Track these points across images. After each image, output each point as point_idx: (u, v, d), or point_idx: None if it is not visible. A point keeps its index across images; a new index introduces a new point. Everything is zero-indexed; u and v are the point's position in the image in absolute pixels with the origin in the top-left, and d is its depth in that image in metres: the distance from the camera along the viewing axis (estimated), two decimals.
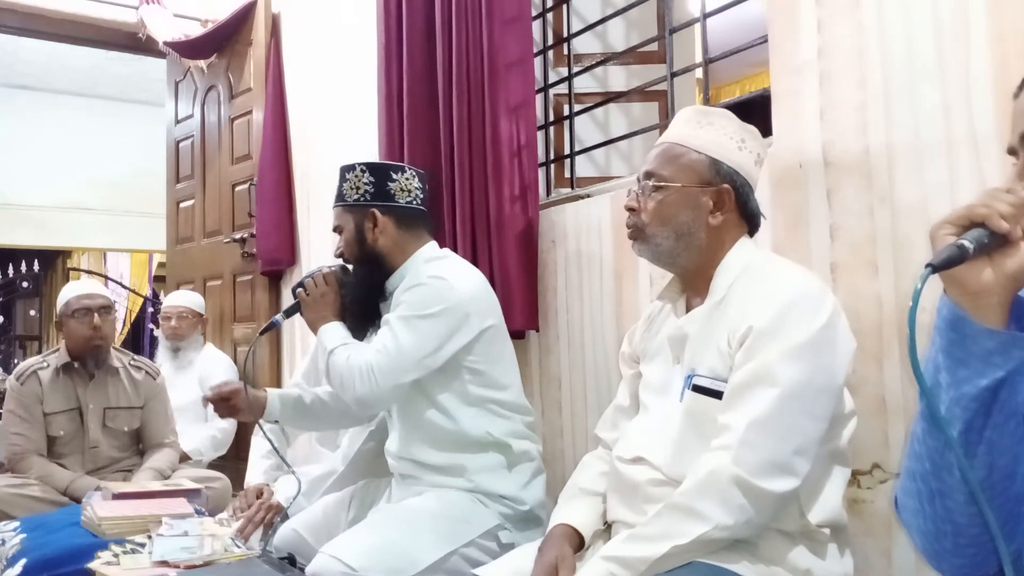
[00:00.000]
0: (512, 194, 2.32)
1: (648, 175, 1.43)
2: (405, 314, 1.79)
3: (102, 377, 2.89)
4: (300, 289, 1.95)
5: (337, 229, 1.97)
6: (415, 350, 1.77)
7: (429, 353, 1.78)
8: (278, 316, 2.01)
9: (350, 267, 1.97)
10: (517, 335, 2.42)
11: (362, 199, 1.92)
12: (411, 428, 1.90)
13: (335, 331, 1.88)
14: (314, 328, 1.92)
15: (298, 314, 1.97)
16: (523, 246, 2.32)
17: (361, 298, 1.94)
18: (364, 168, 1.94)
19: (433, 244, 1.98)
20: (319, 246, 3.48)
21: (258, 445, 2.51)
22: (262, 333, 2.09)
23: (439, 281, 1.82)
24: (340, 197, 1.96)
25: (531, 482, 1.89)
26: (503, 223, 2.32)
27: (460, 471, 1.85)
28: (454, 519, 1.76)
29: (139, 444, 2.97)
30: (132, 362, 2.99)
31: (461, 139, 2.43)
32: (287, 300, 3.80)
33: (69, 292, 2.92)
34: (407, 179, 1.96)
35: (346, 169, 1.97)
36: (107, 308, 2.89)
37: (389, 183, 1.94)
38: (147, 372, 3.00)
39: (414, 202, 1.96)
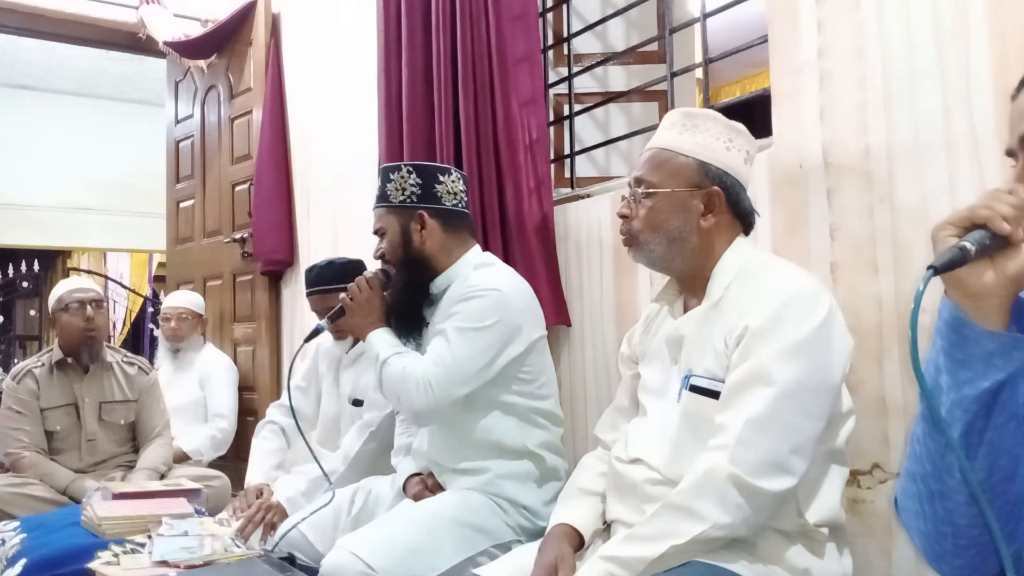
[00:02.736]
0: (529, 189, 2.30)
1: (638, 182, 1.44)
2: (461, 325, 1.76)
3: (96, 372, 2.93)
4: (344, 295, 1.92)
5: (379, 231, 1.93)
6: (471, 362, 1.75)
7: (485, 365, 1.77)
8: (322, 322, 1.94)
9: (390, 270, 1.92)
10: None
11: (408, 200, 1.89)
12: (447, 434, 1.89)
13: (385, 338, 1.85)
14: (361, 334, 1.89)
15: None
16: (542, 241, 2.30)
17: (405, 301, 1.90)
18: (411, 169, 1.91)
19: (477, 248, 1.96)
20: (318, 246, 3.48)
21: (259, 446, 2.51)
22: (307, 340, 2.01)
23: (495, 293, 1.79)
24: (383, 198, 1.91)
25: (554, 500, 1.85)
26: (521, 219, 2.30)
27: (485, 471, 1.83)
28: (473, 526, 1.75)
29: (135, 438, 3.00)
30: (125, 359, 3.04)
31: (469, 137, 2.41)
32: (287, 300, 3.80)
33: (61, 288, 2.96)
34: (453, 181, 1.92)
35: (390, 169, 1.93)
36: (99, 301, 2.94)
37: (436, 185, 1.90)
38: (140, 368, 3.05)
39: (459, 205, 1.93)
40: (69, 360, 2.89)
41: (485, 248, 2.35)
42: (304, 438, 2.13)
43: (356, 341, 2.43)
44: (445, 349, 1.76)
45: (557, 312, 2.30)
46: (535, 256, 2.28)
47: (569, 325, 2.34)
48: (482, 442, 1.84)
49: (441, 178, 1.91)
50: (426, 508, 1.80)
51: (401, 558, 1.64)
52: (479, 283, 1.82)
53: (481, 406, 1.83)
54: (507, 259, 2.31)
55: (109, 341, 3.18)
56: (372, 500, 2.02)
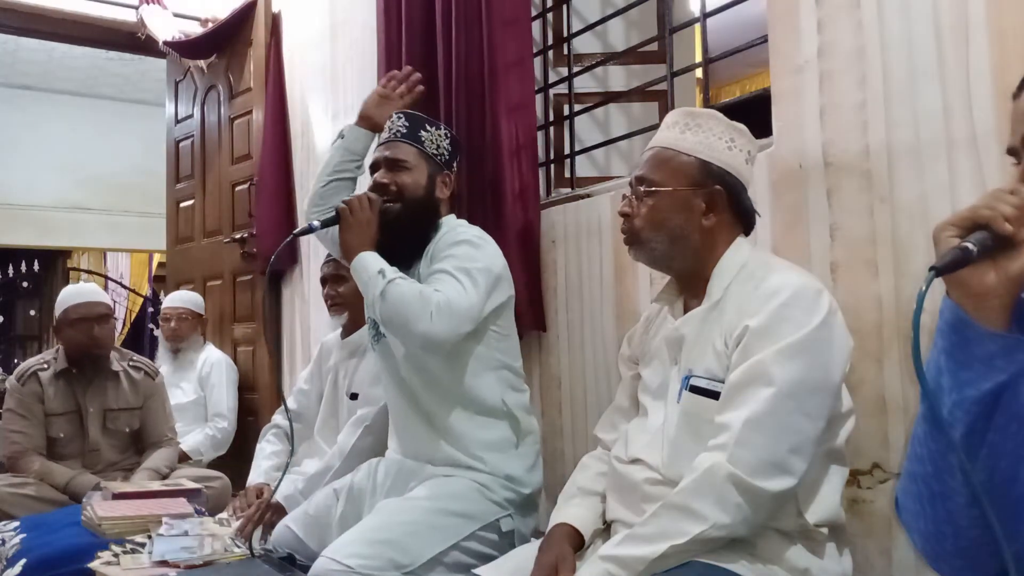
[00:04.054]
0: (513, 195, 2.32)
1: (639, 180, 1.44)
2: (462, 265, 1.79)
3: (101, 381, 2.89)
4: (344, 207, 1.85)
5: (402, 164, 1.93)
6: (476, 299, 1.78)
7: (483, 302, 1.80)
8: (315, 221, 1.89)
9: (392, 205, 1.90)
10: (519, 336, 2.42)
11: (440, 157, 1.97)
12: (432, 391, 1.88)
13: (383, 261, 1.82)
14: (353, 252, 1.83)
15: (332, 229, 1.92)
16: (524, 247, 2.32)
17: (406, 239, 1.91)
18: (447, 133, 2.00)
19: (454, 215, 2.04)
20: (319, 246, 3.47)
21: (261, 448, 2.53)
22: (297, 234, 1.96)
23: (483, 241, 1.87)
24: (418, 139, 1.95)
25: (535, 465, 1.92)
26: (504, 224, 2.31)
27: (469, 444, 1.85)
28: (455, 513, 1.76)
29: (139, 444, 2.96)
30: (131, 363, 2.99)
31: (462, 139, 2.42)
32: (288, 300, 3.80)
33: (67, 299, 2.87)
34: (460, 157, 2.06)
35: (428, 122, 1.99)
36: (106, 317, 2.87)
37: (457, 158, 2.04)
38: (146, 372, 3.01)
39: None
40: (74, 371, 2.86)
41: None
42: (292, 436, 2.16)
43: (351, 332, 2.44)
44: (453, 282, 1.77)
45: (534, 318, 2.32)
46: (514, 261, 2.28)
47: (544, 331, 2.36)
48: (464, 397, 1.86)
49: (459, 154, 2.06)
50: (406, 503, 1.80)
51: (380, 553, 1.65)
52: (468, 232, 1.89)
53: (462, 356, 1.85)
54: None
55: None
56: (359, 494, 2.01)
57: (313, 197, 2.15)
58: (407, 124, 1.97)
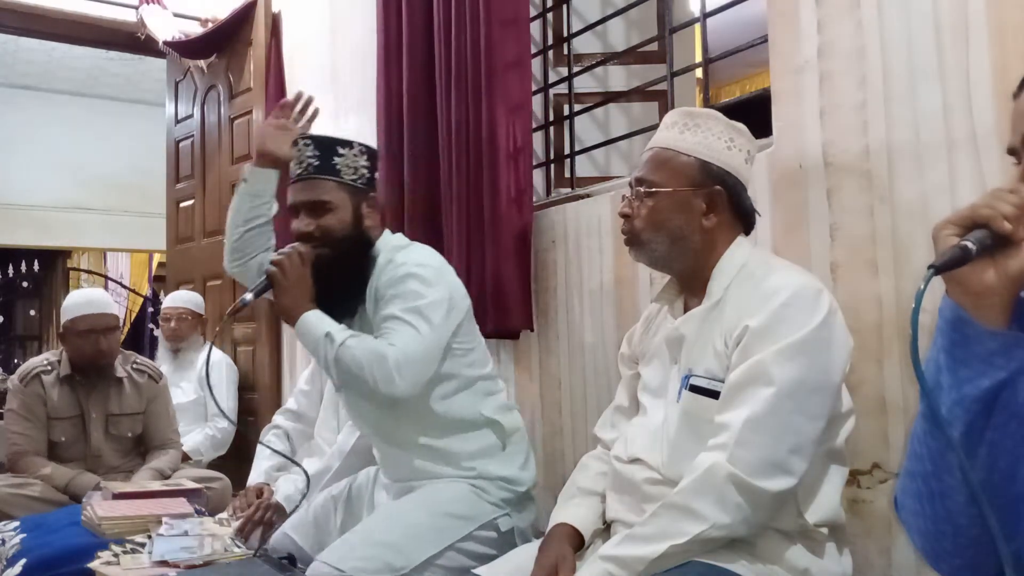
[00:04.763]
0: (508, 195, 2.32)
1: (639, 181, 1.43)
2: (411, 305, 1.72)
3: (104, 386, 2.87)
4: (275, 269, 1.75)
5: (322, 205, 1.80)
6: (435, 341, 1.73)
7: (444, 337, 1.75)
8: (247, 295, 1.76)
9: (321, 251, 1.79)
10: (512, 335, 2.42)
11: (361, 180, 1.84)
12: (403, 419, 1.84)
13: (327, 320, 1.73)
14: (294, 315, 1.73)
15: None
16: (518, 247, 2.32)
17: (346, 285, 1.81)
18: (363, 149, 1.86)
19: (388, 231, 1.93)
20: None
21: (262, 449, 2.52)
22: (231, 314, 1.85)
23: (427, 268, 1.78)
24: (332, 171, 1.81)
25: (526, 461, 1.91)
26: (499, 224, 2.31)
27: (455, 459, 1.83)
28: (450, 515, 1.76)
29: (142, 447, 2.96)
30: (134, 366, 2.97)
31: (459, 139, 2.43)
32: None
33: (74, 308, 2.82)
34: (378, 167, 1.92)
35: (338, 143, 1.84)
36: (112, 328, 2.84)
37: (376, 171, 1.90)
38: (149, 375, 2.99)
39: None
40: (77, 377, 2.85)
41: (465, 249, 2.39)
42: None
43: None
44: (406, 329, 1.69)
45: (523, 317, 2.32)
46: (507, 261, 2.30)
47: (532, 330, 2.37)
48: (441, 421, 1.83)
49: (377, 163, 1.90)
50: (400, 506, 1.80)
51: (375, 556, 1.65)
52: (407, 262, 1.79)
53: (430, 385, 1.79)
54: (476, 259, 2.37)
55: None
56: (357, 501, 2.01)
57: (230, 251, 2.01)
58: (318, 153, 1.82)
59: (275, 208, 2.03)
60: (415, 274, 1.75)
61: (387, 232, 1.92)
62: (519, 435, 1.92)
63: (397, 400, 1.70)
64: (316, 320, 1.72)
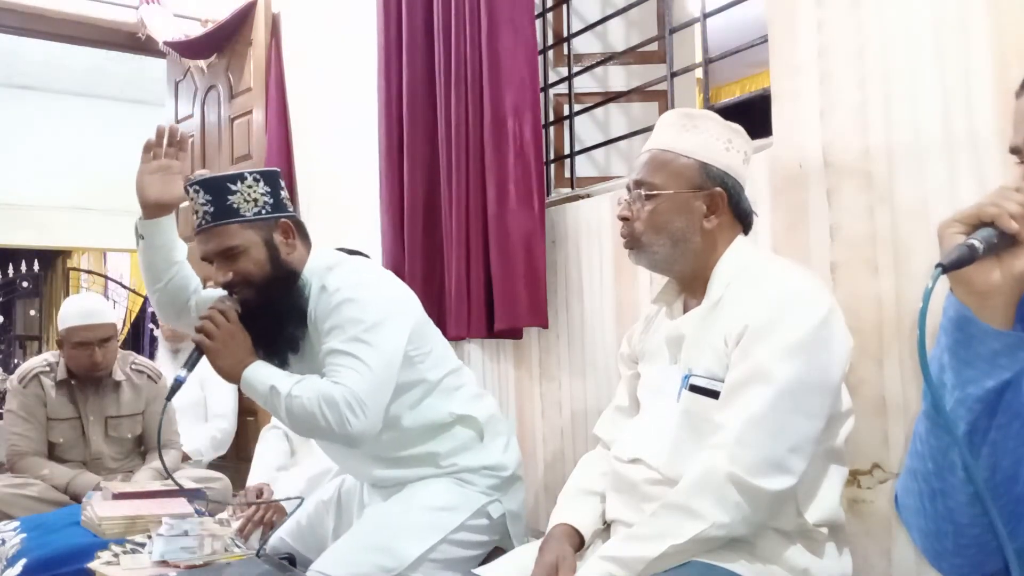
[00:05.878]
0: (517, 194, 2.30)
1: (638, 184, 1.43)
2: (354, 334, 1.65)
3: (103, 390, 2.87)
4: (200, 335, 1.68)
5: (231, 251, 1.71)
6: (386, 364, 1.66)
7: (395, 360, 1.68)
8: (181, 373, 1.71)
9: (246, 296, 1.73)
10: (517, 334, 2.42)
11: (264, 211, 1.73)
12: (376, 441, 1.76)
13: (270, 371, 1.68)
14: (235, 374, 1.67)
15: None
16: (527, 245, 2.29)
17: (280, 325, 1.74)
18: (257, 176, 1.75)
19: (314, 249, 1.85)
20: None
21: (262, 449, 2.52)
22: (169, 398, 1.79)
23: (363, 289, 1.71)
24: (230, 212, 1.71)
25: (508, 445, 1.89)
26: (507, 221, 2.29)
27: (434, 459, 1.81)
28: (439, 509, 1.76)
29: (141, 447, 2.96)
30: (133, 367, 2.97)
31: (459, 138, 2.41)
32: None
33: (70, 317, 2.78)
34: (283, 184, 1.81)
35: (228, 180, 1.73)
36: (108, 339, 2.82)
37: (281, 191, 1.78)
38: (148, 376, 2.99)
39: (290, 207, 1.82)
40: (74, 382, 2.85)
41: (464, 248, 2.36)
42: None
43: None
44: (352, 363, 1.63)
45: (535, 313, 2.29)
46: (516, 258, 2.27)
47: (546, 327, 2.35)
48: (411, 431, 1.80)
49: (281, 182, 1.80)
50: (388, 508, 1.80)
51: (367, 560, 1.65)
52: (341, 286, 1.70)
53: (396, 394, 1.73)
54: (476, 258, 2.35)
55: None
56: (349, 506, 1.99)
57: (160, 309, 1.96)
58: (209, 198, 1.72)
59: (184, 248, 1.97)
60: (349, 299, 1.68)
61: (313, 251, 1.83)
62: (494, 420, 1.88)
63: (358, 440, 1.66)
64: (258, 375, 1.67)
